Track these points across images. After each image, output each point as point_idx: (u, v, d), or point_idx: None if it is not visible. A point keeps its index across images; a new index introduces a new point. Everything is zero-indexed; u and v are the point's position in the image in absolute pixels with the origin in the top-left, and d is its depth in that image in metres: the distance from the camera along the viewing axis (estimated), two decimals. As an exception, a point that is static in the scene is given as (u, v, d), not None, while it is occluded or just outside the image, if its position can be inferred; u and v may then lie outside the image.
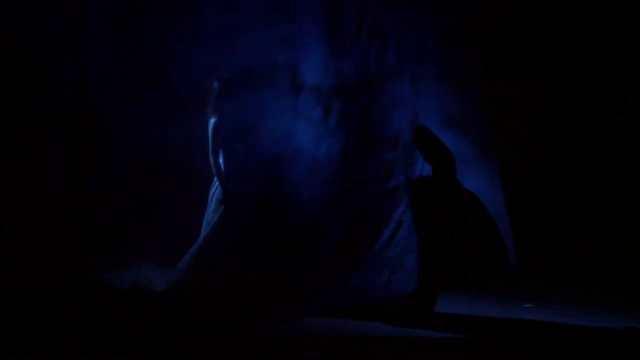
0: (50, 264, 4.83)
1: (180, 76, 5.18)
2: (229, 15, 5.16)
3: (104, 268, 5.28)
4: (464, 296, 6.78)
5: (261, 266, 5.41)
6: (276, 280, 5.47)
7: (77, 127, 5.05)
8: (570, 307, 6.66)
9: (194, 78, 5.20)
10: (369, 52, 5.74)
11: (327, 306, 5.60)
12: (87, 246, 5.11)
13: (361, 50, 5.70)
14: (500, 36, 8.37)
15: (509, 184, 8.67)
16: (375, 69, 5.79)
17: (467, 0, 6.47)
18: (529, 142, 8.57)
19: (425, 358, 4.93)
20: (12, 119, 4.65)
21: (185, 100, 5.41)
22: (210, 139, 5.80)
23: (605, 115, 8.35)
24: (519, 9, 8.32)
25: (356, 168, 5.74)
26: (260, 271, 5.41)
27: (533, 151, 8.59)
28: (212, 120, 5.87)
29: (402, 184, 5.87)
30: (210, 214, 5.90)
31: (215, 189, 5.99)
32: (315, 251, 5.59)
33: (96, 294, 5.13)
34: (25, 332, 4.63)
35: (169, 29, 5.06)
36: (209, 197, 5.96)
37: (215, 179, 5.88)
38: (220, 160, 5.83)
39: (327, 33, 5.55)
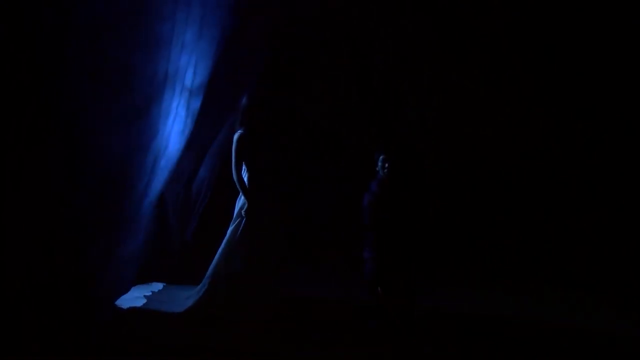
0: (50, 264, 4.83)
1: (138, 83, 5.28)
2: (165, 24, 5.37)
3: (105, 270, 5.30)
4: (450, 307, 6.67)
5: None
6: None
7: (76, 127, 5.05)
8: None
9: (141, 84, 5.29)
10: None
11: None
12: (86, 246, 5.11)
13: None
14: (499, 36, 8.38)
15: (509, 184, 8.69)
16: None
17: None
18: (529, 142, 8.58)
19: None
20: (12, 118, 4.65)
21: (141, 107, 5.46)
22: (234, 152, 5.82)
23: (605, 115, 8.35)
24: (519, 8, 8.33)
25: None
26: None
27: (533, 151, 8.59)
28: (237, 133, 5.88)
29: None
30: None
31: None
32: None
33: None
34: (25, 332, 4.63)
35: (128, 39, 5.14)
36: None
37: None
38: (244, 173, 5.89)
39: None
